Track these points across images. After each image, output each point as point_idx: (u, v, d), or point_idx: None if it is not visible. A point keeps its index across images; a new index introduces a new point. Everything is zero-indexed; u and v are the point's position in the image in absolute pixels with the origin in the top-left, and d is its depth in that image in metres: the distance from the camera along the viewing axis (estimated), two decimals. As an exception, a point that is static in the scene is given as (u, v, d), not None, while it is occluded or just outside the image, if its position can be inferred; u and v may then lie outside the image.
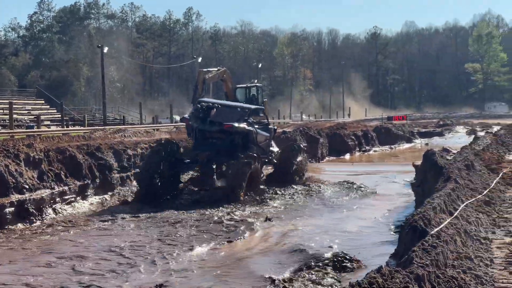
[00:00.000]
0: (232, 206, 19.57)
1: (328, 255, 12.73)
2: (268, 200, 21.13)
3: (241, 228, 16.35)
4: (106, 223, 17.14)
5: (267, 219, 17.35)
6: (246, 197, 20.88)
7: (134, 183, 23.13)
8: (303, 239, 14.88)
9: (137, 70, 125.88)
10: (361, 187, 24.40)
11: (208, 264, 12.59)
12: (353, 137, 44.96)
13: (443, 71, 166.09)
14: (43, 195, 17.87)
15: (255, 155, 22.04)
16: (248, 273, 11.95)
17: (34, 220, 17.01)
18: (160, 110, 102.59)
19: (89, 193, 20.46)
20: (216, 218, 17.85)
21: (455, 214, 9.38)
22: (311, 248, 13.71)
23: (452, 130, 69.36)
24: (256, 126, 23.76)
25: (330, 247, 13.66)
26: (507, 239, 9.15)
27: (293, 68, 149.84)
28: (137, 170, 23.11)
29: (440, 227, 8.17)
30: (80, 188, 19.99)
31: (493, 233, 9.61)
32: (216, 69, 39.61)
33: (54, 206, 18.31)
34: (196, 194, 21.97)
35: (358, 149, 44.87)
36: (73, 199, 19.45)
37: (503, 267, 7.67)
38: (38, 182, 18.12)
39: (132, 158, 23.85)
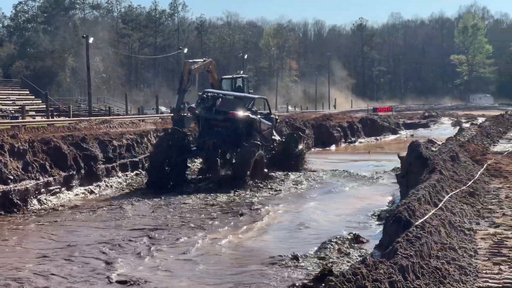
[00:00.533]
0: (237, 193, 20.26)
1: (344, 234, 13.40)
2: (272, 186, 21.92)
3: (247, 214, 16.69)
4: (112, 210, 17.46)
5: (240, 215, 16.98)
6: (251, 183, 21.65)
7: (120, 173, 23.20)
8: (310, 223, 15.52)
9: (122, 61, 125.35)
10: (357, 175, 25.29)
11: (219, 251, 12.61)
12: (338, 129, 45.00)
13: (428, 63, 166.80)
14: (28, 185, 17.80)
15: (259, 142, 22.90)
16: (260, 256, 12.14)
17: (17, 211, 16.92)
18: (145, 101, 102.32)
19: (74, 184, 20.38)
20: (222, 204, 18.38)
21: (439, 205, 9.42)
22: (321, 230, 14.32)
23: (437, 122, 69.54)
24: (259, 116, 24.84)
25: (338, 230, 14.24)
26: (491, 230, 9.20)
27: (279, 59, 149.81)
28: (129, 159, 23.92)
29: (424, 218, 8.19)
30: (65, 179, 19.91)
31: (478, 224, 9.65)
32: (202, 60, 39.54)
33: (39, 196, 18.23)
34: (203, 180, 22.99)
35: (344, 140, 44.95)
36: (58, 190, 19.37)
37: (487, 258, 7.71)
38: (23, 172, 18.03)
39: (118, 149, 23.78)
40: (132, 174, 23.96)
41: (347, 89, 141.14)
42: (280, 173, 24.40)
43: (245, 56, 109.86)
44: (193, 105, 24.53)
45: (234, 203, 18.55)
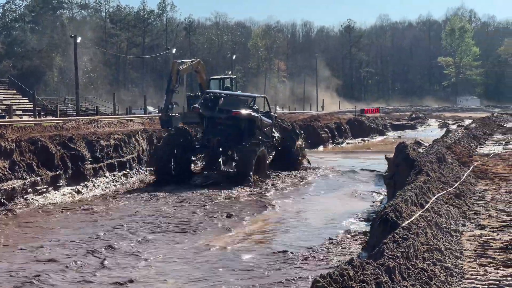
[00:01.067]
0: (239, 189, 21.00)
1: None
2: (272, 184, 22.64)
3: (255, 209, 17.18)
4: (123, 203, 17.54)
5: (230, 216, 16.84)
6: (254, 179, 22.40)
7: (107, 173, 23.14)
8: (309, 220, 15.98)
9: (110, 61, 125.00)
10: (351, 173, 26.28)
11: (209, 253, 12.54)
12: (326, 130, 45.04)
13: (416, 65, 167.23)
14: (14, 185, 17.71)
15: (260, 140, 23.84)
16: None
17: (3, 210, 16.85)
18: (133, 101, 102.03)
19: (61, 184, 20.30)
20: (224, 200, 19.03)
21: (426, 207, 9.45)
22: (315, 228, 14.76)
23: (424, 123, 69.78)
24: (260, 114, 25.77)
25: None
26: (477, 232, 9.24)
27: (267, 60, 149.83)
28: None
29: (411, 219, 8.22)
30: (52, 178, 19.82)
31: (464, 225, 9.70)
32: (190, 60, 39.53)
33: (25, 196, 18.15)
34: (206, 177, 23.92)
35: (332, 141, 44.98)
36: (45, 189, 19.29)
37: (473, 259, 7.74)
38: (10, 172, 17.94)
39: (105, 149, 23.69)
40: (119, 174, 23.90)
41: (335, 90, 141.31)
42: (281, 171, 25.18)
43: (234, 57, 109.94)
44: (197, 104, 25.22)
45: (232, 201, 18.90)
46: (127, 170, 24.62)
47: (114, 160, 24.00)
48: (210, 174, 24.47)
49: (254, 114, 24.81)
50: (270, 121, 26.29)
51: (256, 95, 28.49)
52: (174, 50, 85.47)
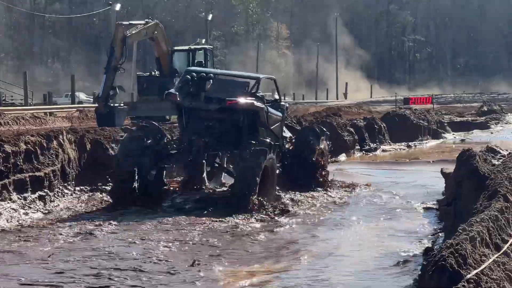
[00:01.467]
0: (236, 217, 20.99)
1: None
2: (287, 207, 22.97)
3: (256, 249, 17.45)
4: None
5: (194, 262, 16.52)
6: (257, 202, 22.24)
7: (15, 195, 23.08)
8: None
9: (20, 23, 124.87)
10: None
11: None
12: (351, 129, 45.04)
13: (489, 31, 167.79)
14: None
15: (267, 144, 23.46)
16: None
17: None
18: (55, 83, 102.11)
19: None
20: (208, 235, 18.86)
21: (503, 249, 9.47)
22: None
23: (501, 120, 70.12)
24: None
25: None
26: None
27: (260, 22, 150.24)
28: None
29: (481, 268, 8.24)
30: None
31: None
32: (142, 22, 39.67)
33: None
34: (185, 199, 23.84)
35: (359, 147, 44.99)
36: None
37: None
38: None
39: (12, 158, 23.68)
40: (33, 196, 23.84)
41: (364, 69, 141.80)
42: (291, 191, 25.13)
43: (210, 17, 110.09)
44: (173, 90, 25.03)
45: (222, 237, 18.76)
46: (45, 190, 24.58)
47: (25, 175, 23.98)
48: (190, 193, 24.32)
49: (259, 104, 24.56)
50: (280, 114, 26.15)
51: (262, 76, 28.19)
52: (118, 7, 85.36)
